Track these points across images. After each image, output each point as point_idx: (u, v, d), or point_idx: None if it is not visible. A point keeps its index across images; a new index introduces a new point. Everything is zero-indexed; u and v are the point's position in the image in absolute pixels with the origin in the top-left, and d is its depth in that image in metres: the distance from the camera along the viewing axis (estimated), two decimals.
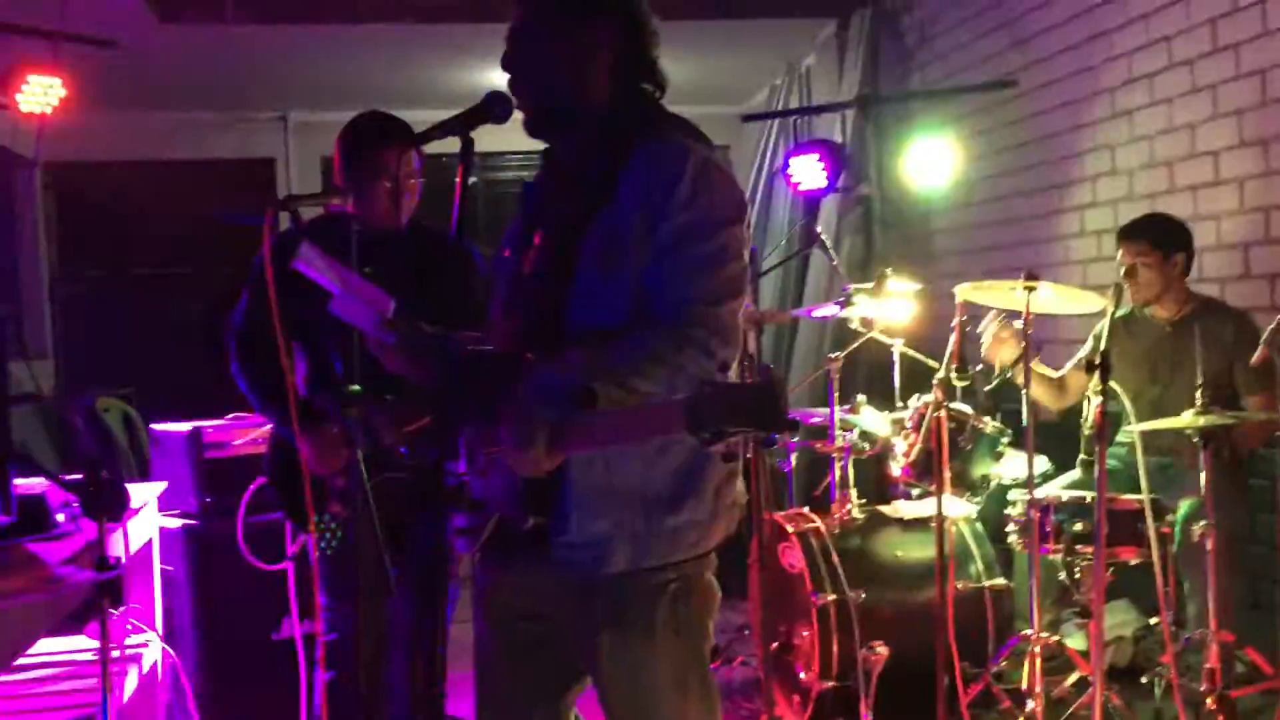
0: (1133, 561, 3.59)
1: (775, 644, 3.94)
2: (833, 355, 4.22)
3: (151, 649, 3.32)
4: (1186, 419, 3.41)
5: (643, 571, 1.91)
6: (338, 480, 2.92)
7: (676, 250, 1.83)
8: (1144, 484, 3.40)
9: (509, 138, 2.06)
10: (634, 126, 1.96)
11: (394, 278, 2.60)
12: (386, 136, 3.01)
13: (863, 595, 3.73)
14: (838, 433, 4.07)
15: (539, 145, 2.09)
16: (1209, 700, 3.34)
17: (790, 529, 3.92)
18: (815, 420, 4.43)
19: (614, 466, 1.88)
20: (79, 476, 2.30)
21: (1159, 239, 3.94)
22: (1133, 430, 3.47)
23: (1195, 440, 3.45)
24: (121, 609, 3.21)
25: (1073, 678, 3.70)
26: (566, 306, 1.89)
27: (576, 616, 1.97)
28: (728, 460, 1.59)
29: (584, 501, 1.87)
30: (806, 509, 4.15)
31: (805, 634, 3.83)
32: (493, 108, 1.93)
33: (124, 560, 2.40)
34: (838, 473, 4.06)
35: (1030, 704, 3.41)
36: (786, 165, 5.62)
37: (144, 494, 3.42)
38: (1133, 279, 3.92)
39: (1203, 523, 3.43)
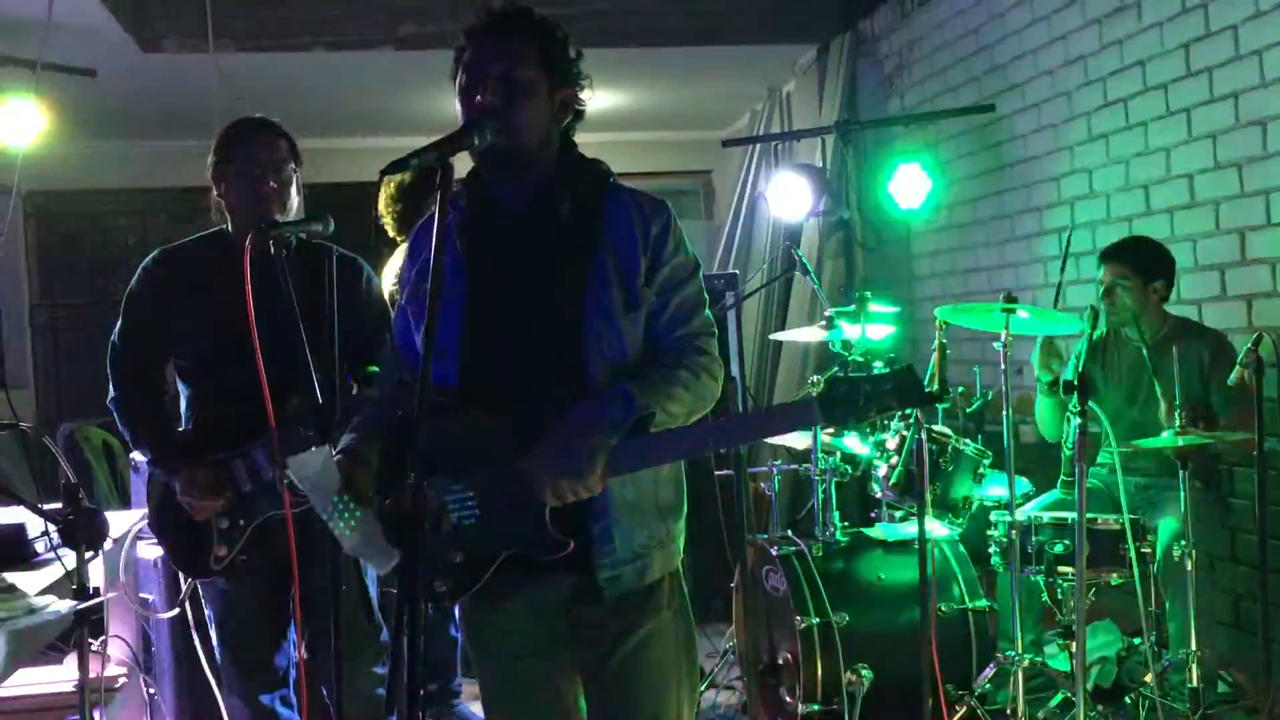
0: (1114, 582, 3.60)
1: (760, 667, 3.93)
2: (814, 378, 4.24)
3: (131, 679, 3.30)
4: (1165, 439, 3.43)
5: (666, 576, 2.09)
6: (221, 522, 2.82)
7: (675, 291, 2.06)
8: (1124, 504, 3.42)
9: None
10: (581, 173, 2.12)
11: (282, 291, 2.59)
12: (247, 131, 2.94)
13: (846, 618, 3.73)
14: (820, 455, 4.08)
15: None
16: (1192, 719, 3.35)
17: (774, 552, 3.92)
18: (798, 444, 4.44)
19: (641, 481, 2.02)
20: (58, 506, 2.29)
21: (1140, 263, 3.96)
22: (1112, 451, 3.49)
23: (1174, 460, 3.47)
24: (101, 639, 3.19)
25: (1057, 699, 3.71)
26: (585, 342, 1.99)
27: (597, 630, 2.05)
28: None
29: (622, 517, 2.00)
30: (790, 532, 4.16)
31: (790, 657, 3.83)
32: (471, 135, 1.94)
33: (103, 590, 2.37)
34: (820, 495, 4.06)
35: None
36: (768, 189, 5.65)
37: (124, 523, 3.41)
38: (1110, 299, 3.94)
39: (1183, 543, 3.45)
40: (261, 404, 2.44)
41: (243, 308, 2.46)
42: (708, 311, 2.11)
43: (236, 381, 2.64)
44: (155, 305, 2.93)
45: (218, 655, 3.01)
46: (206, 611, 3.00)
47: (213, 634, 3.01)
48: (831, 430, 4.29)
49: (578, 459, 1.84)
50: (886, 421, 4.00)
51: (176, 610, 3.22)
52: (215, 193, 2.97)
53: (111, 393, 2.99)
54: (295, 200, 2.94)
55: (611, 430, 1.87)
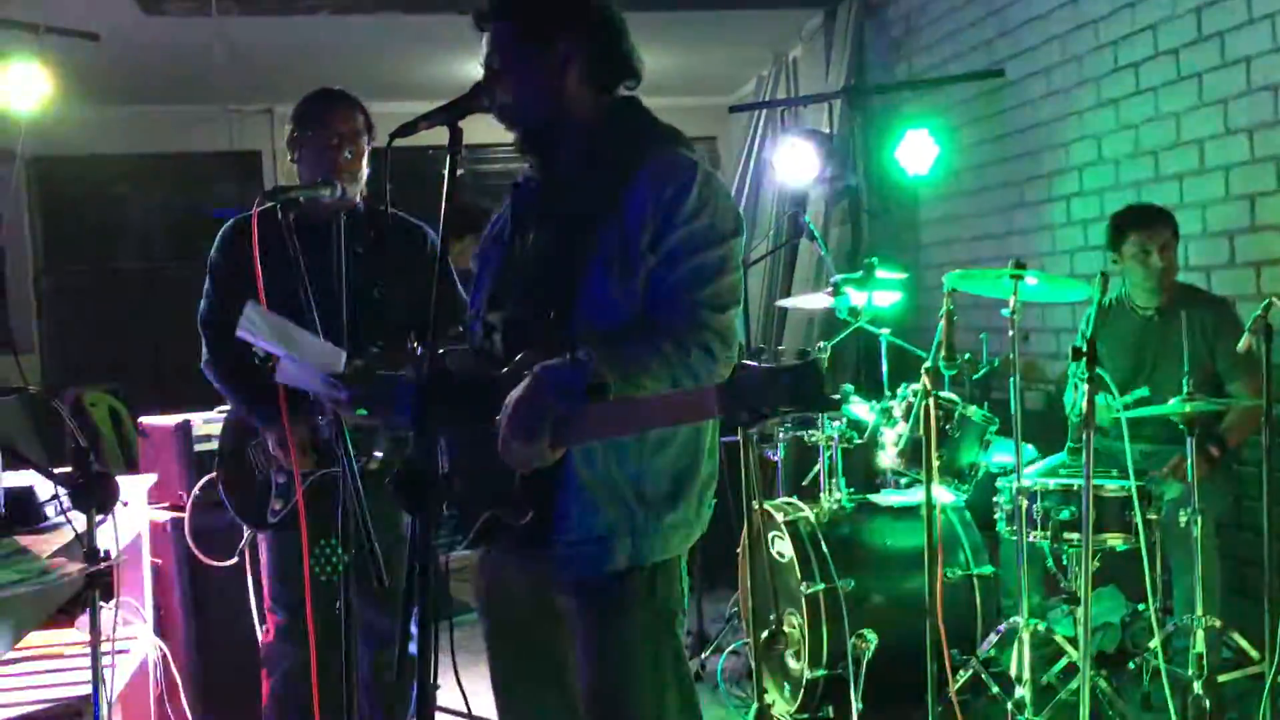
0: (1120, 548, 3.61)
1: (765, 633, 3.95)
2: (821, 345, 4.23)
3: (142, 642, 3.32)
4: (1173, 406, 3.43)
5: (638, 568, 1.95)
6: (279, 477, 2.91)
7: (685, 258, 1.89)
8: (1130, 470, 3.42)
9: (496, 130, 2.06)
10: (630, 137, 2.02)
11: (342, 259, 2.63)
12: (325, 103, 3.02)
13: (852, 584, 3.74)
14: (826, 422, 4.08)
15: None
16: (1196, 685, 3.36)
17: (779, 518, 3.93)
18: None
19: (613, 463, 1.91)
20: (68, 469, 2.30)
21: (1175, 227, 4.00)
22: (1119, 417, 3.48)
23: (1181, 427, 3.47)
24: (112, 602, 3.21)
25: (1061, 664, 3.73)
26: (575, 306, 1.91)
27: (567, 611, 2.00)
28: (763, 441, 1.68)
29: (585, 498, 1.90)
30: (795, 498, 4.16)
31: (795, 623, 3.84)
32: (481, 98, 1.94)
33: (114, 553, 2.38)
34: (826, 462, 4.07)
35: (1019, 690, 3.43)
36: (774, 155, 5.61)
37: (133, 487, 3.42)
38: (1165, 261, 3.94)
39: (1189, 509, 3.46)
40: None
41: (300, 273, 2.59)
42: (726, 285, 1.92)
43: None
44: (234, 272, 2.97)
45: (269, 604, 3.10)
46: (263, 562, 3.11)
47: (265, 584, 3.11)
48: (837, 396, 4.30)
49: (525, 421, 1.72)
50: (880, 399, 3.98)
51: (234, 560, 3.32)
52: (290, 158, 3.06)
53: (206, 355, 3.08)
54: (365, 172, 3.04)
55: (558, 395, 1.71)
